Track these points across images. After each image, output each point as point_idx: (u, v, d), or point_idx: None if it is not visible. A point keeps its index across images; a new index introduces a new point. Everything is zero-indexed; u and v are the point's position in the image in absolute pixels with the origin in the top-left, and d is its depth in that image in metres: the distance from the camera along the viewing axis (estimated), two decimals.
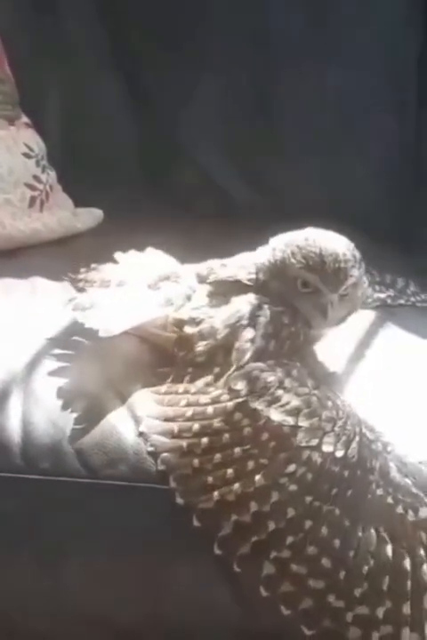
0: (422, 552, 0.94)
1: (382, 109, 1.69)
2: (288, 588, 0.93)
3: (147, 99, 1.72)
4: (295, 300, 1.06)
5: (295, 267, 1.05)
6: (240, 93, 1.70)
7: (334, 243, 1.05)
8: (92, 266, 1.24)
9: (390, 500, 0.95)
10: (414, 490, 0.96)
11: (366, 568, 0.93)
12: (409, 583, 0.93)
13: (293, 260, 1.05)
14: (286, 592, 0.93)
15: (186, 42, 1.69)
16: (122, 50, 1.71)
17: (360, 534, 0.93)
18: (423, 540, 0.95)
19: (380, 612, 0.92)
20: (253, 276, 1.08)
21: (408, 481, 0.96)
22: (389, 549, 0.93)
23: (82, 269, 1.24)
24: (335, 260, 1.04)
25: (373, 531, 0.93)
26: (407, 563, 0.93)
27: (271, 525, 0.93)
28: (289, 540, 0.93)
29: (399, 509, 0.95)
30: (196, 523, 0.95)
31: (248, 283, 1.08)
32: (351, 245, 1.06)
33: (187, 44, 1.69)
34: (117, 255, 1.24)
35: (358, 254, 1.06)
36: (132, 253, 1.25)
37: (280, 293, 1.06)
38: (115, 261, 1.25)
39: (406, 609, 0.93)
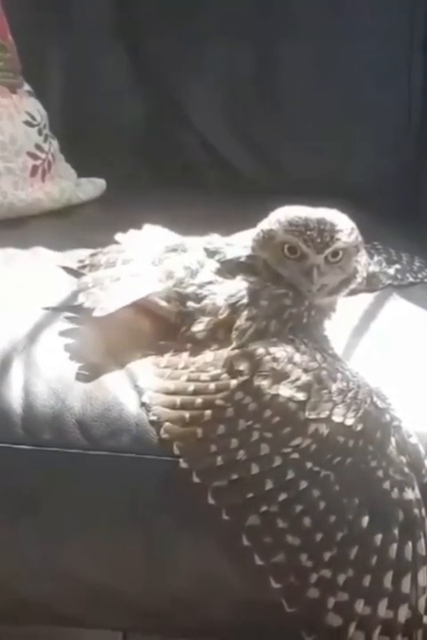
0: (396, 531, 0.94)
1: (388, 83, 1.69)
2: (267, 540, 0.94)
3: (150, 68, 1.71)
4: (283, 268, 1.05)
5: (280, 231, 1.05)
6: (244, 65, 1.70)
7: (324, 211, 1.05)
8: (98, 250, 1.22)
9: (380, 473, 0.95)
10: (406, 469, 0.96)
11: (340, 535, 0.93)
12: (375, 558, 0.94)
13: (278, 226, 1.05)
14: (264, 543, 0.94)
15: (190, 11, 1.69)
16: (125, 19, 1.71)
17: (345, 501, 0.94)
18: (400, 520, 0.95)
19: (341, 579, 0.93)
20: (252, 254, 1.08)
21: (403, 459, 0.96)
22: (365, 521, 0.94)
23: (90, 252, 1.22)
24: (320, 222, 1.04)
25: (356, 500, 0.94)
26: (378, 538, 0.94)
27: (269, 485, 0.94)
28: (282, 497, 0.94)
29: (386, 485, 0.95)
30: (195, 479, 0.95)
31: (251, 262, 1.07)
32: (345, 217, 1.06)
33: (191, 14, 1.69)
34: (118, 236, 1.23)
35: (353, 225, 1.06)
36: (132, 233, 1.23)
37: (269, 264, 1.06)
38: (117, 243, 1.23)
39: (366, 582, 0.93)
